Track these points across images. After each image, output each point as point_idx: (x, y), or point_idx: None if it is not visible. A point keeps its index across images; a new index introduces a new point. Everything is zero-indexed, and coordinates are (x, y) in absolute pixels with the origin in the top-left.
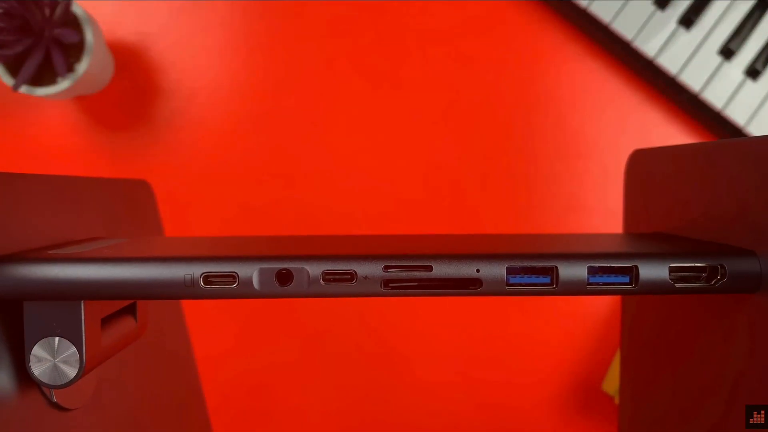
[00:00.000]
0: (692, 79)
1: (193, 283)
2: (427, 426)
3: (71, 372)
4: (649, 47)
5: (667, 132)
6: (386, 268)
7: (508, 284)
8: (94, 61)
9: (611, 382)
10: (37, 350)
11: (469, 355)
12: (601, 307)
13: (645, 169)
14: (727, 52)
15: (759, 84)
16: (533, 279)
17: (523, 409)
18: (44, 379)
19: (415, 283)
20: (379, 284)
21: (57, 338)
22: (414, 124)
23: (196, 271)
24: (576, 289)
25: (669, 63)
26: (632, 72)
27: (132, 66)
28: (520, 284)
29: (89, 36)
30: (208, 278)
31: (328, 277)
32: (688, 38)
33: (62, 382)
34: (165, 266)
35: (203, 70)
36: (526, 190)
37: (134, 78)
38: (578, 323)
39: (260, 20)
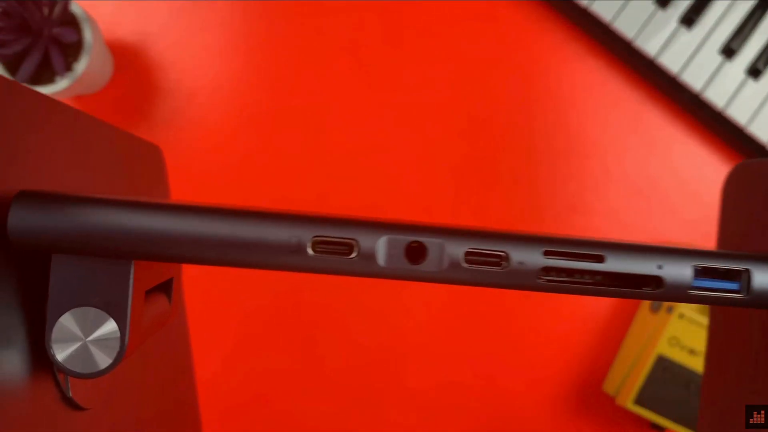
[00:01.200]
0: (693, 79)
1: (299, 248)
2: (427, 428)
3: (107, 357)
4: (650, 47)
5: (669, 132)
6: (548, 253)
7: (691, 288)
8: (92, 61)
9: (612, 383)
10: (65, 323)
11: (470, 356)
12: (602, 308)
13: (752, 183)
14: (729, 51)
15: (760, 83)
16: (719, 284)
17: (524, 410)
18: (70, 365)
19: (578, 277)
20: (535, 273)
21: (93, 309)
22: (414, 124)
23: (305, 233)
24: (765, 300)
25: (670, 62)
26: (633, 71)
27: (131, 65)
28: (705, 289)
29: (88, 35)
30: (319, 244)
31: (473, 258)
32: (690, 38)
33: (93, 370)
34: (265, 224)
35: (203, 69)
36: (527, 190)
37: (133, 78)
38: (579, 324)
39: (260, 20)
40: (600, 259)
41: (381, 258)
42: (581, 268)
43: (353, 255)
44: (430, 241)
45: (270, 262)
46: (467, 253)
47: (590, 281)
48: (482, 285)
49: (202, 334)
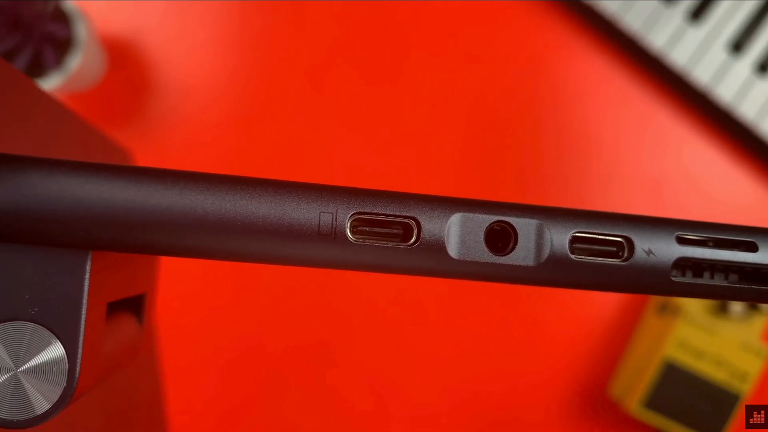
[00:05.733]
0: (701, 76)
1: (334, 230)
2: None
3: (48, 396)
4: (657, 42)
5: (676, 130)
6: (681, 240)
7: None
8: (85, 57)
9: (617, 387)
10: None
11: (471, 358)
12: (607, 309)
13: None
14: (737, 46)
15: None
16: None
17: (527, 414)
18: None
19: (720, 274)
20: (667, 267)
21: (30, 324)
22: (416, 122)
23: (341, 209)
24: None
25: (678, 59)
26: (641, 68)
27: (126, 62)
28: None
29: (80, 31)
30: (361, 225)
31: (580, 246)
32: (697, 34)
33: (26, 416)
34: (284, 197)
35: (198, 66)
36: (533, 190)
37: (128, 74)
38: (583, 326)
39: (256, 16)
40: (751, 247)
41: (453, 245)
42: (726, 259)
43: (412, 241)
44: (521, 222)
45: (289, 252)
46: (574, 239)
47: (737, 278)
48: (594, 287)
49: (191, 332)
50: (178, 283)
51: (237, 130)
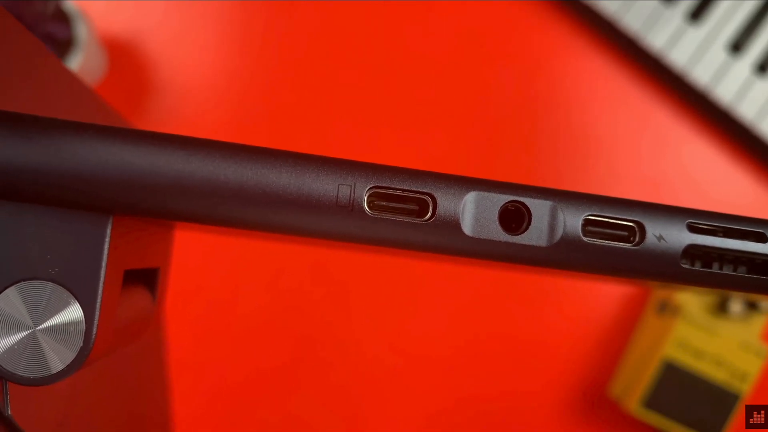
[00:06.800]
0: (701, 76)
1: (351, 203)
2: None
3: (64, 355)
4: (656, 43)
5: (675, 130)
6: (692, 227)
7: None
8: (85, 58)
9: (617, 387)
10: (7, 300)
11: (470, 360)
12: (607, 309)
13: None
14: (737, 47)
15: None
16: None
17: (526, 414)
18: (9, 365)
19: (728, 264)
20: (677, 254)
21: (49, 284)
22: (415, 122)
23: (359, 182)
24: None
25: (677, 59)
26: (640, 68)
27: (126, 63)
28: None
29: (81, 32)
30: (378, 199)
31: (593, 229)
32: (697, 34)
33: (43, 374)
34: (303, 168)
35: (199, 67)
36: None
37: (128, 75)
38: (583, 326)
39: (258, 17)
40: (761, 239)
41: (467, 222)
42: (736, 248)
43: (427, 217)
44: (535, 203)
45: (306, 223)
46: (586, 222)
47: (745, 270)
48: (605, 270)
49: (189, 329)
50: (186, 272)
51: (238, 131)
